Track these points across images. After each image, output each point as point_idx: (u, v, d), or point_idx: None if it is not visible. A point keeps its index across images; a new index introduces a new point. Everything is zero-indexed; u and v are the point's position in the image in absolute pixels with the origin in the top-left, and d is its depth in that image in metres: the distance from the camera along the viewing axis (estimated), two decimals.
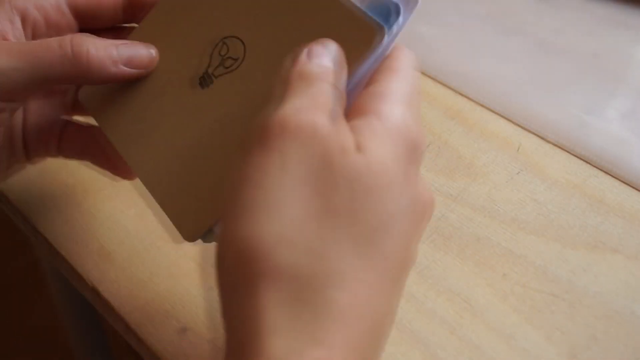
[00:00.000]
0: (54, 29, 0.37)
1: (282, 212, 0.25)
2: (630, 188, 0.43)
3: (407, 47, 0.31)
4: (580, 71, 0.52)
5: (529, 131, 0.47)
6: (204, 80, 0.35)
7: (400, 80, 0.29)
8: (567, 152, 0.45)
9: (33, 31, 0.37)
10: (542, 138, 0.46)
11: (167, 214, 0.34)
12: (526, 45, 0.55)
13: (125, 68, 0.35)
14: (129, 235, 0.39)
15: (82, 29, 0.38)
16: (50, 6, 0.37)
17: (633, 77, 0.52)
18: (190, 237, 0.33)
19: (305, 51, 0.29)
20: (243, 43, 0.35)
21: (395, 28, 0.31)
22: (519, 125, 0.47)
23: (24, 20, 0.37)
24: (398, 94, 0.29)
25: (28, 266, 1.09)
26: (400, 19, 0.31)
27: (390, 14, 0.31)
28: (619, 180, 0.43)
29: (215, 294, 0.36)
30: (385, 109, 0.28)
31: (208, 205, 0.33)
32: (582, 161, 0.45)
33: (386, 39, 0.30)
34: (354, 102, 0.29)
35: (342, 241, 0.25)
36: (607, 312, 0.36)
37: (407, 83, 0.29)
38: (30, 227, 0.41)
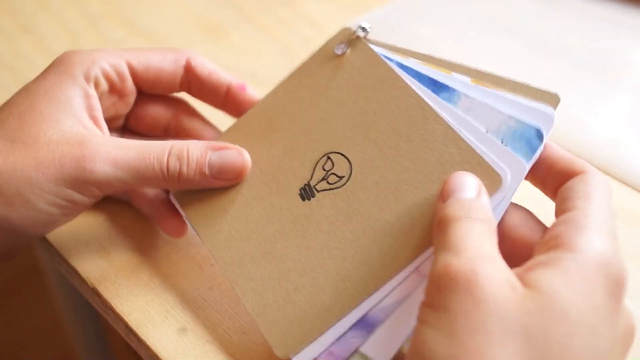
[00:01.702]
0: (116, 95, 0.39)
1: None
2: (630, 188, 0.43)
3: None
4: (580, 71, 0.52)
5: None
6: (306, 193, 0.34)
7: (598, 209, 0.27)
8: (567, 152, 0.45)
9: (100, 98, 0.38)
10: None
11: (260, 326, 0.32)
12: (525, 46, 0.55)
13: (216, 180, 0.35)
14: (129, 235, 0.39)
15: (142, 94, 0.40)
16: (115, 74, 0.38)
17: (632, 77, 0.52)
18: (284, 354, 0.31)
19: (441, 193, 0.28)
20: (349, 162, 0.33)
21: (538, 152, 0.30)
22: None
23: (95, 89, 0.38)
24: (597, 225, 0.26)
25: (28, 266, 1.09)
26: (542, 143, 0.30)
27: (533, 139, 0.30)
28: (619, 180, 0.43)
29: (215, 294, 0.37)
30: (582, 243, 0.25)
31: (303, 323, 0.31)
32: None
33: (508, 183, 0.29)
34: (548, 231, 0.27)
35: None
36: None
37: (605, 211, 0.27)
38: None
